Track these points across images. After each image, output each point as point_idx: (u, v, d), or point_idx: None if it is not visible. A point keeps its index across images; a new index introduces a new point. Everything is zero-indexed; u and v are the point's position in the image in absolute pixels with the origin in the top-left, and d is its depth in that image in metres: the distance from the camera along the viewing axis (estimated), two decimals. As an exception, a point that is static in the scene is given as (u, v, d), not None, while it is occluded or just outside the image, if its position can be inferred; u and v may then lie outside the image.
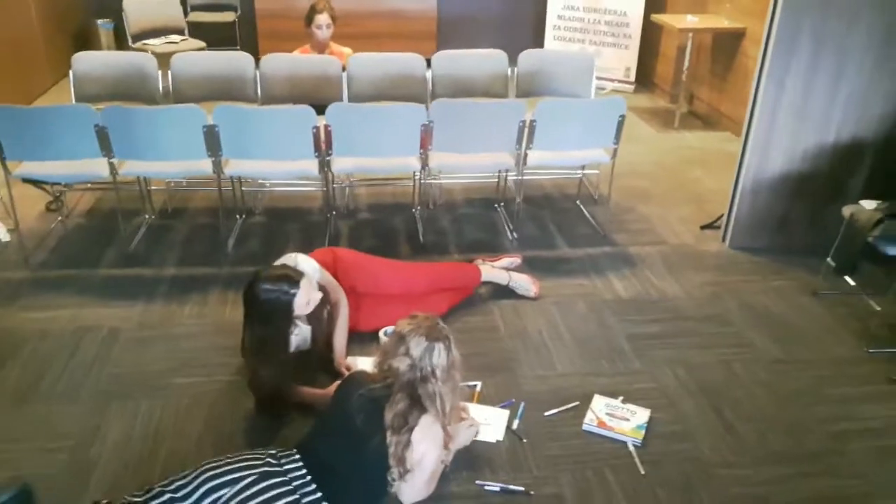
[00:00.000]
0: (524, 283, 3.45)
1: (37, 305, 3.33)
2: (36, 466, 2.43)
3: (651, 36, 6.74)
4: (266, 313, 2.61)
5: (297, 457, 2.21)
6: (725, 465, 2.52)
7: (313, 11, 4.43)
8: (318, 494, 2.12)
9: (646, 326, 3.28)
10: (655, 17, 6.15)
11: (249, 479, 2.08)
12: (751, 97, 3.67)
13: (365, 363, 2.76)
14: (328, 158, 3.65)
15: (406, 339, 2.24)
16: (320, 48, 4.52)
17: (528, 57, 4.41)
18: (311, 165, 3.65)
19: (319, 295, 2.74)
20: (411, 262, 3.64)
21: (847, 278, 3.54)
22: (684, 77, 6.03)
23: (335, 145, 3.57)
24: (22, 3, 6.05)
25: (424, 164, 3.75)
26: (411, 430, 2.18)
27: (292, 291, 2.60)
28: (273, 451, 2.22)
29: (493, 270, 3.47)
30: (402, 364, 2.22)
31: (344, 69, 4.22)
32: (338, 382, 2.51)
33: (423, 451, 2.21)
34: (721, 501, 2.38)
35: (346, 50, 4.57)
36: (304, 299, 2.65)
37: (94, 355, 2.99)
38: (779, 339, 3.22)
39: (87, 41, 7.07)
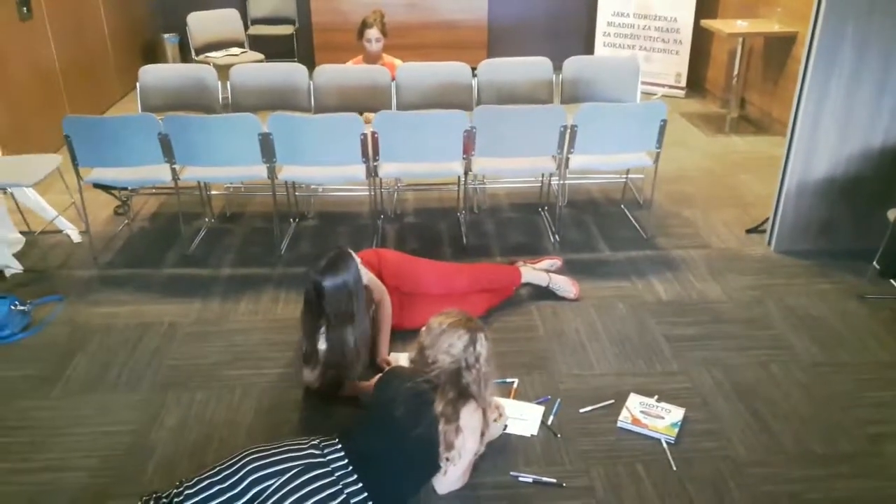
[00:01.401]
0: (564, 285, 3.52)
1: (104, 301, 3.56)
2: (101, 448, 2.63)
3: (702, 41, 6.71)
4: (341, 300, 2.68)
5: (340, 446, 2.32)
6: (758, 463, 2.55)
7: (364, 26, 4.60)
8: (360, 485, 2.21)
9: (685, 328, 3.31)
10: (705, 22, 6.13)
11: (295, 471, 2.18)
12: (794, 101, 3.67)
13: (406, 359, 2.88)
14: (375, 164, 3.80)
15: (448, 335, 2.34)
16: (372, 60, 4.68)
17: (573, 63, 4.48)
18: (360, 171, 3.80)
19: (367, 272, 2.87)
20: (453, 262, 3.75)
21: (893, 282, 3.50)
22: (735, 82, 6.01)
23: (382, 151, 3.72)
24: (95, 21, 6.43)
25: (467, 169, 3.87)
26: (459, 417, 2.28)
27: (352, 266, 2.72)
28: (316, 441, 2.33)
29: (533, 272, 3.56)
30: (446, 358, 2.33)
31: (394, 79, 4.37)
32: (378, 376, 2.63)
33: (464, 440, 2.31)
34: (751, 497, 2.41)
35: (398, 61, 4.72)
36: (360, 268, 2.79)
37: (155, 348, 3.20)
38: (820, 342, 3.21)
39: (154, 55, 7.44)
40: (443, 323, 2.38)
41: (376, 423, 2.37)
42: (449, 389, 2.30)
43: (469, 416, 2.31)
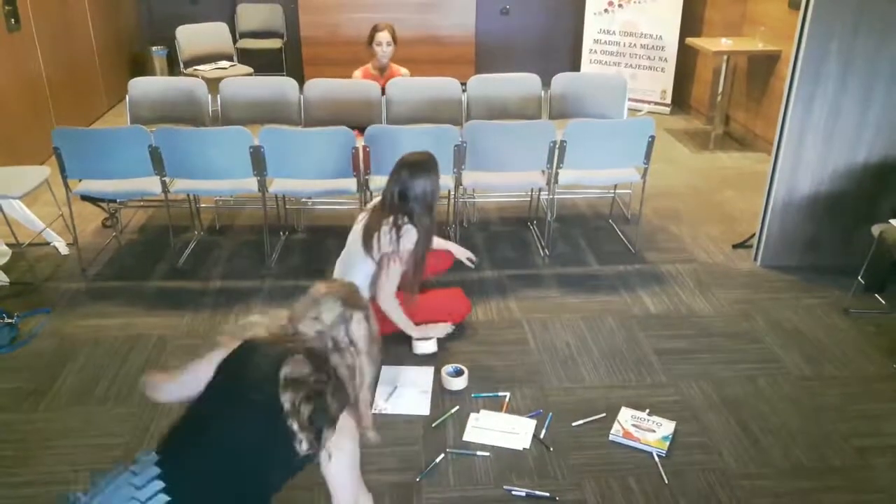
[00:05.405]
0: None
1: (92, 314, 3.53)
2: (92, 462, 2.60)
3: (687, 59, 6.81)
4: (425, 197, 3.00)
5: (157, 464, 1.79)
6: (748, 476, 2.57)
7: (374, 30, 4.59)
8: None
9: (674, 341, 3.34)
10: (691, 40, 6.22)
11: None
12: (779, 118, 3.73)
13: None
14: (366, 178, 3.82)
15: (319, 303, 1.91)
16: (381, 67, 4.65)
17: (561, 80, 4.53)
18: (351, 184, 3.81)
19: None
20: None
21: (878, 297, 3.55)
22: (719, 99, 6.09)
23: (373, 165, 3.74)
24: (82, 33, 6.41)
25: (458, 183, 3.89)
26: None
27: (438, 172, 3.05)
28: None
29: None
30: (310, 329, 1.88)
31: (384, 92, 4.38)
32: (219, 351, 1.98)
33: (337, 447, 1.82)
34: (742, 511, 2.44)
35: (404, 70, 4.72)
36: None
37: (144, 361, 3.18)
38: (807, 355, 3.25)
39: (141, 67, 7.41)
40: (321, 289, 1.95)
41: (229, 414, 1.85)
42: (301, 361, 1.80)
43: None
